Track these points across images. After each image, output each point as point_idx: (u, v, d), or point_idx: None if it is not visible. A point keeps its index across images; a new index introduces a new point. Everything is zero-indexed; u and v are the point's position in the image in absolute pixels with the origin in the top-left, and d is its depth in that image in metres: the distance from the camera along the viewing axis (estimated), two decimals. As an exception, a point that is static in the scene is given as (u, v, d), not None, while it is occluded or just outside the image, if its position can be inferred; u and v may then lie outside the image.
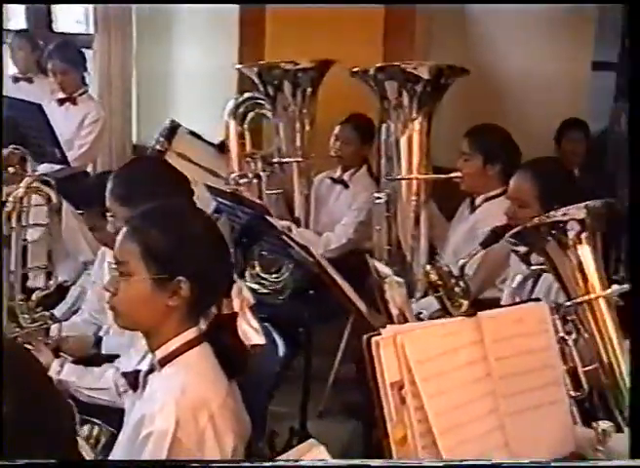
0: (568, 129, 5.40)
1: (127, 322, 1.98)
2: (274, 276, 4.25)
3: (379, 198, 3.97)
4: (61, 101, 5.34)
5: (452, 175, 3.79)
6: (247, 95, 4.50)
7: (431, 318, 3.07)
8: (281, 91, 4.27)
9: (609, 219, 2.61)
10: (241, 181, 4.27)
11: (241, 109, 4.47)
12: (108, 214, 2.62)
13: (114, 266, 1.94)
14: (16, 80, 5.83)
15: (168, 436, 1.78)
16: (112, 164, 5.79)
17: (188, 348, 1.92)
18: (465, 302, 3.02)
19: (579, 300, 2.51)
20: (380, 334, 1.84)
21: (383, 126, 3.98)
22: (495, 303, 3.08)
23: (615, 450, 2.04)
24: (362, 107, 4.56)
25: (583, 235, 2.52)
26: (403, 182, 3.86)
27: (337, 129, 4.56)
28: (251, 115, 4.51)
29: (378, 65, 3.83)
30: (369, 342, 1.82)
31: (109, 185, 2.63)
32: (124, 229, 1.94)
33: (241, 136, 4.45)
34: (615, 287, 2.51)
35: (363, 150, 4.57)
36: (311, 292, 3.13)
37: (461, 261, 3.10)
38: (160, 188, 2.45)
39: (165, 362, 1.92)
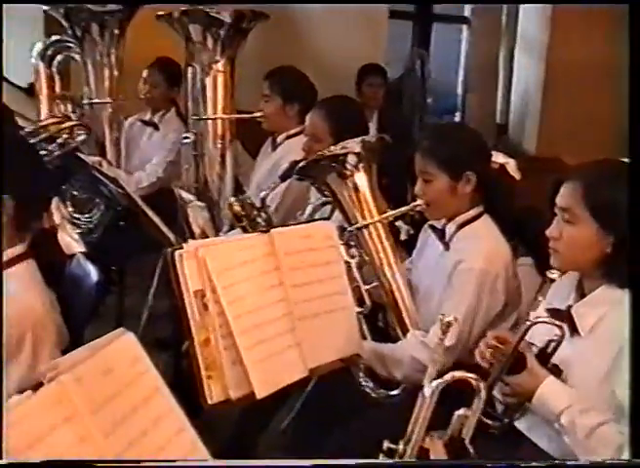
0: (367, 74, 5.72)
1: None
2: (87, 216, 4.36)
3: (186, 138, 4.14)
4: None
5: (254, 114, 4.01)
6: (55, 37, 4.55)
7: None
8: (89, 33, 4.34)
9: (382, 153, 2.90)
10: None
11: (49, 52, 4.52)
12: None
13: None
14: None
15: None
16: None
17: (17, 262, 2.09)
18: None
19: (358, 225, 2.79)
20: (182, 248, 2.06)
21: (189, 68, 4.15)
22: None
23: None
24: (169, 51, 4.71)
25: (360, 165, 2.80)
26: (209, 123, 4.02)
27: (144, 72, 4.70)
28: (59, 58, 4.56)
29: (182, 9, 3.97)
30: (172, 255, 2.04)
31: None
32: None
33: (50, 78, 4.50)
34: (390, 211, 2.81)
35: (171, 93, 4.74)
36: (122, 223, 3.26)
37: (263, 193, 3.35)
38: None
39: None
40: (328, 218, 3.20)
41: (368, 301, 2.73)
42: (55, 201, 2.23)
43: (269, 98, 3.98)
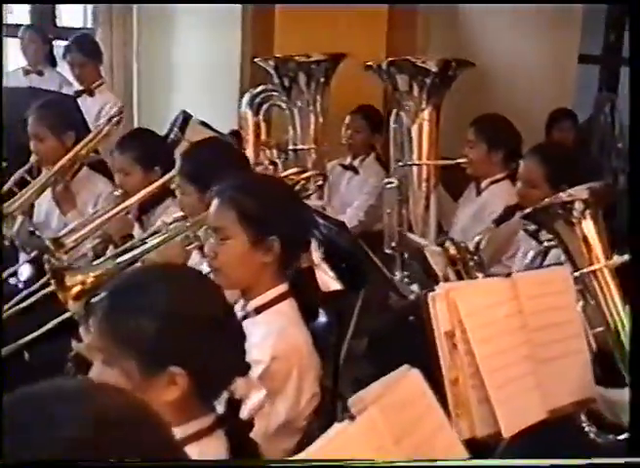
0: (558, 118, 5.74)
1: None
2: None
3: (390, 183, 4.28)
4: (79, 93, 5.56)
5: (459, 160, 4.10)
6: (262, 87, 4.77)
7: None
8: (296, 82, 4.54)
9: (607, 198, 2.93)
10: (257, 169, 4.54)
11: (257, 100, 4.74)
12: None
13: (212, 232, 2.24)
14: (26, 72, 6.03)
15: (261, 366, 2.09)
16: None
17: (281, 300, 2.23)
18: (481, 275, 3.33)
19: (585, 271, 2.82)
20: (434, 291, 2.15)
21: (393, 115, 4.30)
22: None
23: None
24: (369, 99, 4.89)
25: (587, 212, 2.84)
26: (414, 168, 4.15)
27: (347, 118, 4.89)
28: (265, 106, 4.78)
29: (390, 59, 4.13)
30: (426, 297, 2.13)
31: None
32: (217, 200, 2.24)
33: (257, 125, 4.72)
34: (616, 257, 2.83)
35: (372, 138, 4.90)
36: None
37: (477, 238, 3.41)
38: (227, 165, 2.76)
39: (261, 310, 2.23)
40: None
41: (594, 345, 2.74)
42: (313, 242, 2.36)
43: (475, 144, 4.07)
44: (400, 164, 4.17)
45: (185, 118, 5.08)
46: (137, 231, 3.53)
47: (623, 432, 2.72)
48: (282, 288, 2.28)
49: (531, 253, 3.23)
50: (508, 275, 2.32)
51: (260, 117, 4.76)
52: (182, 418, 1.55)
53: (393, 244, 4.15)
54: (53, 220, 4.03)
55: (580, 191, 2.82)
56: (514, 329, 2.26)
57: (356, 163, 4.94)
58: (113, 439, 0.95)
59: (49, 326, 3.14)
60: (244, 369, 1.60)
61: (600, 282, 2.81)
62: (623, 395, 2.67)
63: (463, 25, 6.02)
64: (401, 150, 4.27)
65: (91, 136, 4.04)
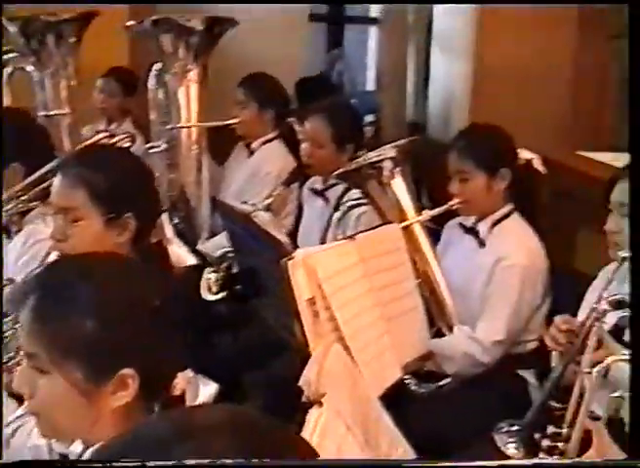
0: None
1: None
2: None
3: (152, 147, 4.12)
4: None
5: (230, 121, 4.02)
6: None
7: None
8: (44, 43, 4.23)
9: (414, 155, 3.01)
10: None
11: (-2, 63, 4.38)
12: None
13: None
14: None
15: None
16: None
17: None
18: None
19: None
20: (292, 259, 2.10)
21: (152, 77, 4.14)
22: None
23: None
24: (119, 60, 4.68)
25: (396, 170, 2.90)
26: (183, 131, 4.02)
27: (99, 82, 4.63)
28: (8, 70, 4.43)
29: (153, 18, 3.95)
30: (286, 265, 2.08)
31: None
32: (61, 177, 2.02)
33: None
34: (426, 211, 2.92)
35: (126, 102, 4.68)
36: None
37: (268, 200, 3.40)
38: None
39: None
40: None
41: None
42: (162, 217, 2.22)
43: (245, 105, 4.01)
44: (169, 126, 4.02)
45: None
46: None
47: (443, 379, 2.83)
48: None
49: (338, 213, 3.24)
50: (351, 237, 2.31)
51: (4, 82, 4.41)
52: (127, 426, 1.38)
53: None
54: None
55: (389, 150, 2.87)
56: (366, 290, 2.27)
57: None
58: None
59: None
60: (184, 361, 1.46)
61: (412, 237, 2.89)
62: (443, 345, 2.77)
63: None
64: (168, 114, 4.13)
65: None
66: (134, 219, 2.04)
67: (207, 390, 1.45)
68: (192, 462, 0.97)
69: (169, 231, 2.33)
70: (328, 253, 2.19)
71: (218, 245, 3.52)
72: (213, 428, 0.86)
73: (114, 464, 1.00)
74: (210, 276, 3.08)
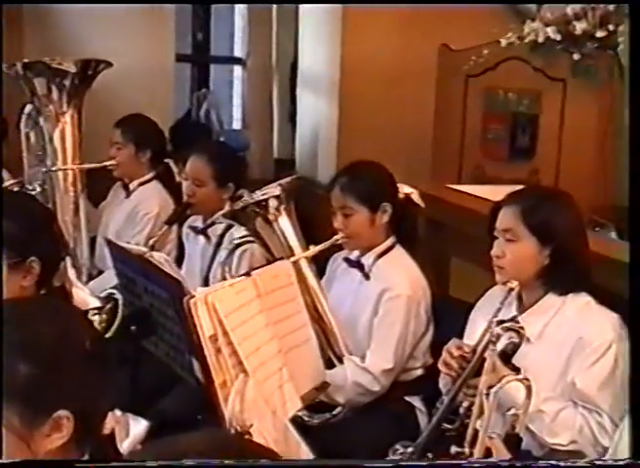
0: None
1: None
2: None
3: (30, 190, 4.09)
4: None
5: (107, 163, 4.04)
6: None
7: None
8: None
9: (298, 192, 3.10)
10: None
11: None
12: None
13: None
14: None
15: None
16: None
17: None
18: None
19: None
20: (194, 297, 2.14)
21: (23, 120, 4.13)
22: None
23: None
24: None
25: (282, 208, 2.98)
26: (59, 173, 4.01)
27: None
28: None
29: (24, 62, 3.93)
30: (188, 304, 2.12)
31: None
32: None
33: None
34: (312, 247, 3.00)
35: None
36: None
37: (152, 240, 3.43)
38: None
39: None
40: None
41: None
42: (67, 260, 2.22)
43: (122, 146, 4.02)
44: (44, 170, 4.00)
45: None
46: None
47: (334, 409, 2.91)
48: None
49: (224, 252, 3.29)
50: (247, 274, 2.37)
51: None
52: None
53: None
54: None
55: (273, 188, 2.94)
56: (264, 325, 2.32)
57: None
58: None
59: None
60: (114, 401, 1.48)
61: (300, 272, 2.96)
62: (333, 376, 2.85)
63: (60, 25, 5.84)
64: (38, 155, 4.12)
65: None
66: (38, 263, 2.06)
67: (137, 428, 1.47)
68: (192, 462, 1.01)
69: (72, 274, 2.34)
70: (227, 290, 2.24)
71: (99, 286, 3.53)
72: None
73: (114, 464, 1.03)
74: (94, 318, 3.07)
